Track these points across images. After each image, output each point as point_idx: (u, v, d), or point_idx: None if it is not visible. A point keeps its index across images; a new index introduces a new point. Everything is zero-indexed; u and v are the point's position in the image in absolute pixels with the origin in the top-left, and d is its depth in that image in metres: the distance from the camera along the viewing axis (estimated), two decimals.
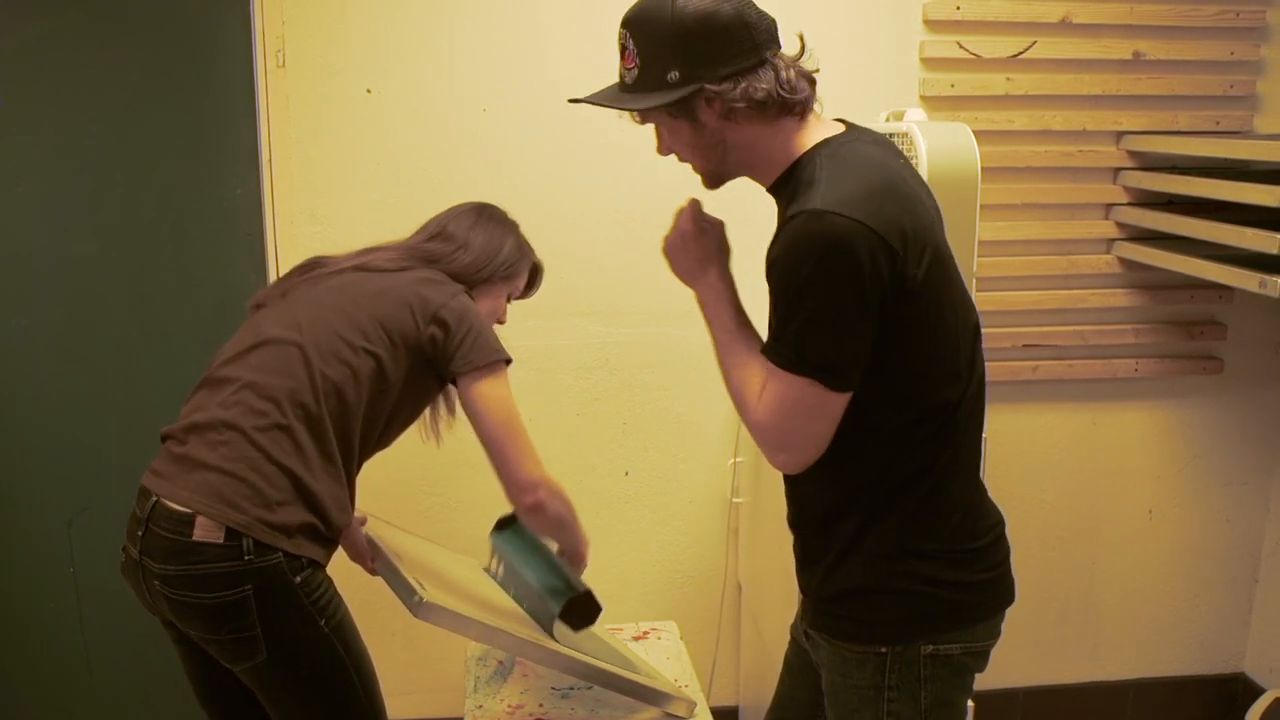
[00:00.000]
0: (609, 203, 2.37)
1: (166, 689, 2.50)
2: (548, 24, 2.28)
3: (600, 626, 2.10)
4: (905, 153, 1.49)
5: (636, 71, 1.32)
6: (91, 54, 2.22)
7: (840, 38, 2.35)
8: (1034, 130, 2.41)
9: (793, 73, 1.30)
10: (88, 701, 2.49)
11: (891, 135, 2.09)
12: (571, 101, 1.42)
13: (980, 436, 1.44)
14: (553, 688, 1.92)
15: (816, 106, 1.36)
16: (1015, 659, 2.72)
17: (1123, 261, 2.48)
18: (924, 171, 1.96)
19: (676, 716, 1.84)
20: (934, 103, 2.38)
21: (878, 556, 1.37)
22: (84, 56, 2.22)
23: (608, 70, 2.29)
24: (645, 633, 2.19)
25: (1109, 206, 2.48)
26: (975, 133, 2.02)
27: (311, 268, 1.75)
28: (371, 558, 1.78)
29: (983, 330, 1.46)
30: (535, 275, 1.95)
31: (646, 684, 1.83)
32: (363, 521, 1.82)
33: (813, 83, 1.33)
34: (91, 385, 2.34)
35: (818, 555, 1.43)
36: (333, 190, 2.29)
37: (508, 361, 1.67)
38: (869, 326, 1.24)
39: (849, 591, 1.40)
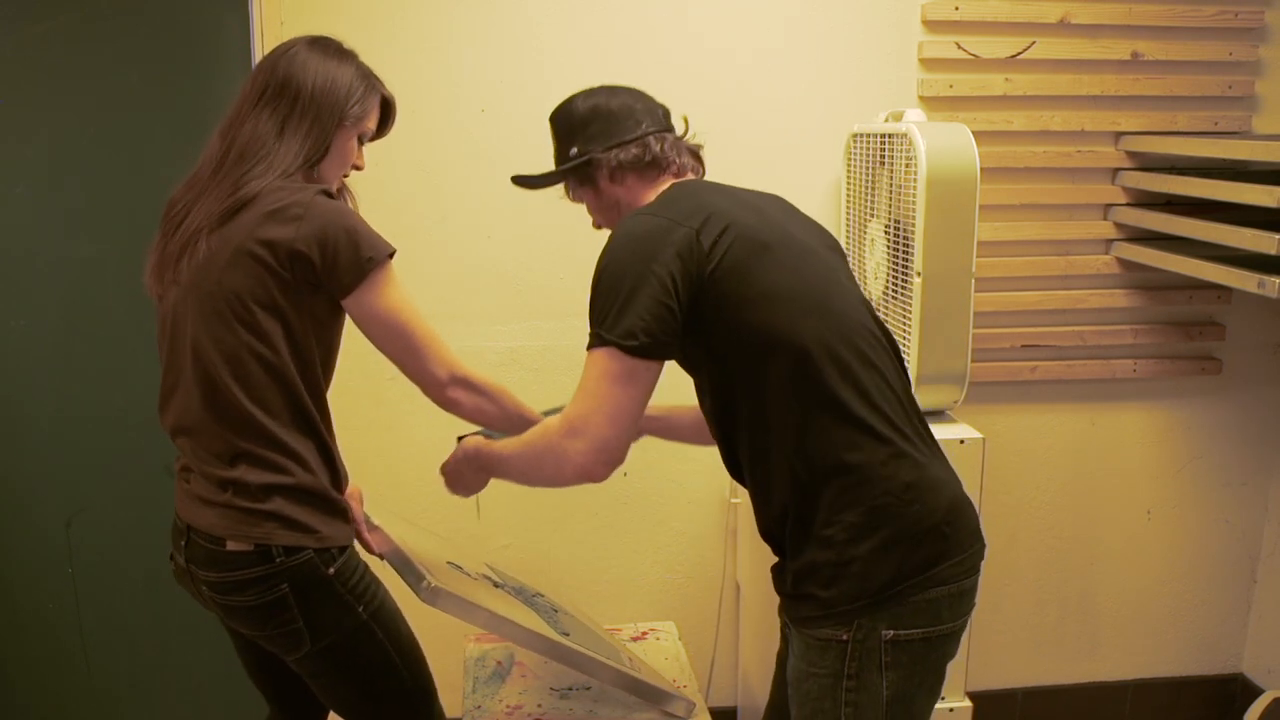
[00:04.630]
0: None
1: (165, 688, 2.50)
2: (546, 25, 2.28)
3: (599, 626, 2.11)
4: (790, 202, 1.62)
5: (555, 155, 1.67)
6: (91, 55, 2.22)
7: (839, 38, 2.35)
8: (1033, 131, 2.41)
9: (666, 144, 1.58)
10: (86, 701, 2.49)
11: (890, 136, 2.10)
12: (514, 180, 1.74)
13: (870, 411, 1.40)
14: (551, 688, 1.92)
15: (693, 175, 1.62)
16: (1014, 659, 2.72)
17: (1121, 262, 2.48)
18: (922, 172, 1.97)
19: (675, 716, 1.84)
20: (933, 103, 2.38)
21: (818, 533, 1.39)
22: (83, 57, 2.22)
23: (605, 71, 2.30)
24: (644, 633, 2.19)
25: (1108, 207, 2.48)
26: (974, 133, 2.03)
27: (169, 234, 1.58)
28: (376, 542, 1.79)
29: (874, 315, 1.49)
30: (388, 111, 1.72)
31: (648, 680, 1.83)
32: (359, 498, 1.83)
33: (695, 154, 1.63)
34: (90, 386, 2.34)
35: (777, 548, 1.48)
36: None
37: (389, 255, 1.55)
38: (665, 295, 1.37)
39: (802, 572, 1.42)
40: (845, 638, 1.39)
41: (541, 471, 1.49)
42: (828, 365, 1.38)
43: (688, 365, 1.51)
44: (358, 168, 1.68)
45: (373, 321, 1.55)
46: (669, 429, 1.87)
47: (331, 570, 1.57)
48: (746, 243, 1.41)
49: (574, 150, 1.61)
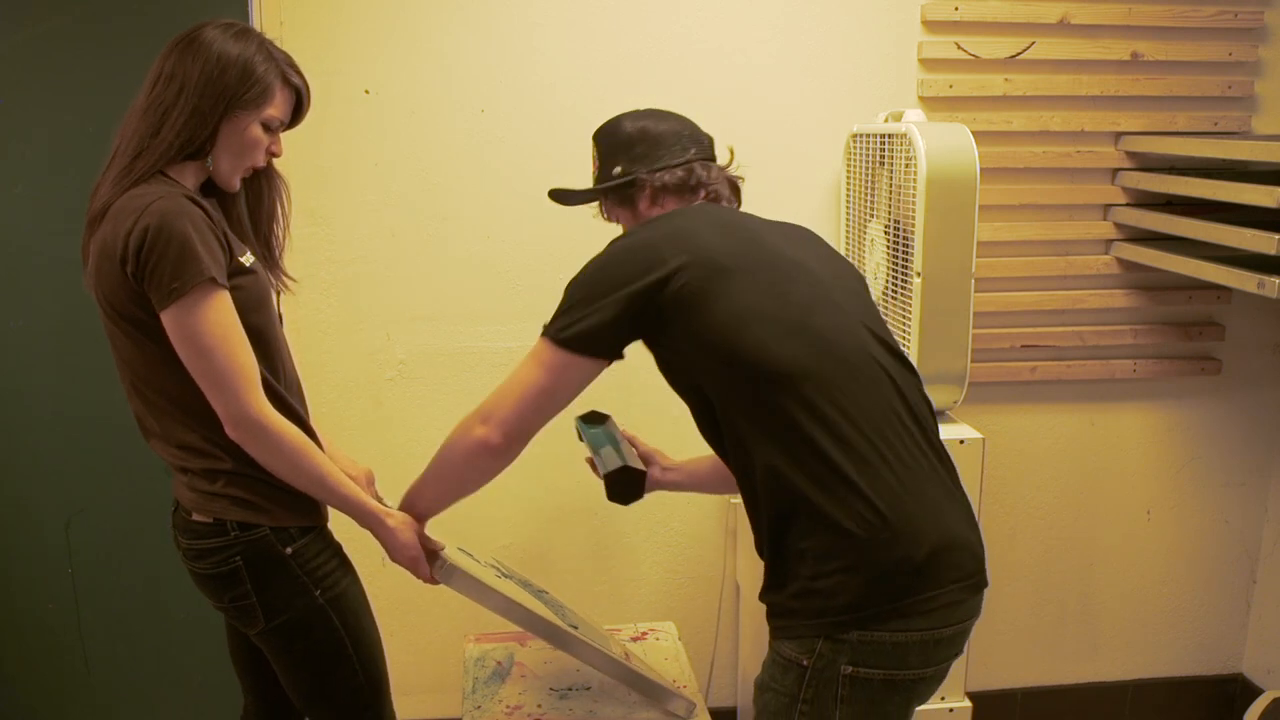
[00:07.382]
0: None
1: (164, 688, 2.50)
2: (544, 25, 2.28)
3: (600, 626, 2.10)
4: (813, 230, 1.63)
5: (596, 171, 1.69)
6: (90, 55, 2.22)
7: (839, 38, 2.35)
8: (1032, 131, 2.41)
9: (711, 173, 1.63)
10: (86, 701, 2.49)
11: (890, 136, 2.10)
12: (550, 194, 1.76)
13: (862, 438, 1.38)
14: (550, 689, 1.92)
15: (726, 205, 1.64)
16: (1013, 659, 2.72)
17: (1121, 262, 2.49)
18: (922, 172, 1.97)
19: (676, 716, 1.84)
20: (932, 103, 2.38)
21: (794, 545, 1.39)
22: (82, 57, 2.22)
23: (603, 71, 2.30)
24: (644, 633, 2.19)
25: (1107, 207, 2.48)
26: (974, 133, 2.03)
27: (86, 229, 1.57)
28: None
29: (875, 333, 1.47)
30: (300, 99, 1.64)
31: (651, 677, 1.84)
32: (371, 481, 1.84)
33: (734, 186, 1.67)
34: (90, 385, 2.34)
35: (761, 552, 1.48)
36: (331, 191, 2.29)
37: (205, 280, 1.44)
38: (617, 307, 1.42)
39: (776, 585, 1.43)
40: (806, 664, 1.37)
41: (450, 461, 1.57)
42: (806, 387, 1.36)
43: (679, 391, 1.52)
44: (274, 154, 1.63)
45: (180, 343, 1.48)
46: (693, 480, 1.91)
47: (289, 550, 1.59)
48: (702, 269, 1.41)
49: (617, 169, 1.63)
